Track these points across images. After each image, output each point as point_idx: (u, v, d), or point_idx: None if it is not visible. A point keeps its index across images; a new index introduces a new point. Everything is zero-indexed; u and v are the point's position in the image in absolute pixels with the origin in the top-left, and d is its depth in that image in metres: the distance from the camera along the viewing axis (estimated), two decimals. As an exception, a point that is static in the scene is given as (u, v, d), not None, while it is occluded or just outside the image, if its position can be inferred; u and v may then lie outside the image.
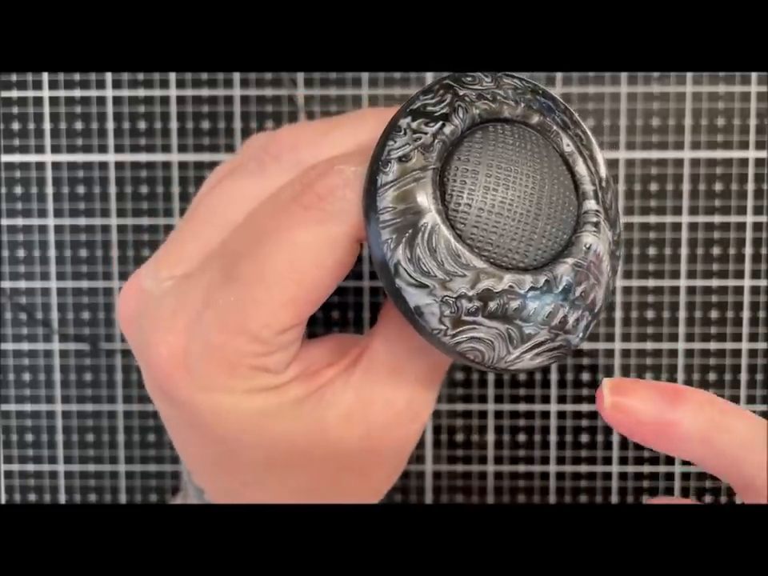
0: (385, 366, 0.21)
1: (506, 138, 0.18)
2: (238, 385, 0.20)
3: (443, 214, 0.17)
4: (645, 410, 0.18)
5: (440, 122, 0.18)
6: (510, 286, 0.17)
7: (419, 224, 0.17)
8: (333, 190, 0.19)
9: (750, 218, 0.31)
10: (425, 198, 0.17)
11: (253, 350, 0.19)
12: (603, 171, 0.19)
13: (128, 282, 0.22)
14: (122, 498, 0.33)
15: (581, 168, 0.19)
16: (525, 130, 0.19)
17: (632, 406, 0.18)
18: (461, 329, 0.18)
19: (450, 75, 0.19)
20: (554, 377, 0.32)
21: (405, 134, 0.18)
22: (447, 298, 0.17)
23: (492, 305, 0.17)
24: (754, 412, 0.32)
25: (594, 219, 0.18)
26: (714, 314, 0.31)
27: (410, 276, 0.17)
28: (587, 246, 0.18)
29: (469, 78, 0.19)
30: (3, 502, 0.33)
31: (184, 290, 0.20)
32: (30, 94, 0.31)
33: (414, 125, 0.18)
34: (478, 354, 0.18)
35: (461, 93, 0.18)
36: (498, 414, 0.32)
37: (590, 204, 0.19)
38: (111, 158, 0.31)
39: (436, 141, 0.18)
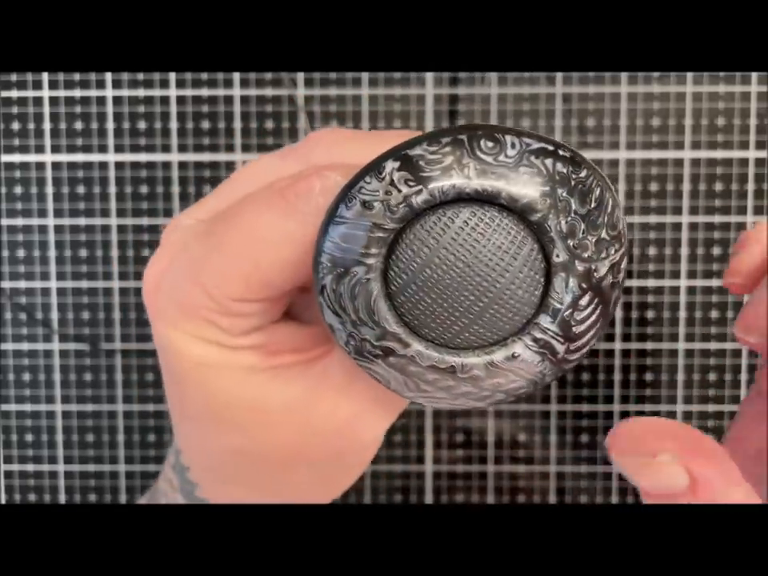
0: (342, 372, 0.21)
1: (481, 226, 0.17)
2: (192, 329, 0.21)
3: (379, 270, 0.17)
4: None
5: (419, 187, 0.17)
6: (412, 356, 0.18)
7: (351, 270, 0.17)
8: (309, 192, 0.19)
9: (750, 218, 0.31)
10: (365, 251, 0.17)
11: (206, 304, 0.20)
12: (598, 289, 0.18)
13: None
14: (122, 498, 0.33)
15: (558, 283, 0.17)
16: (513, 225, 0.17)
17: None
18: (363, 360, 0.18)
19: (474, 130, 0.17)
20: (554, 377, 0.32)
21: (383, 179, 0.17)
22: (354, 334, 0.18)
23: (393, 360, 0.18)
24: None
25: (539, 335, 0.18)
26: (713, 314, 0.31)
27: (330, 302, 0.18)
28: (514, 354, 0.18)
29: (490, 143, 0.17)
30: (3, 501, 0.33)
31: (182, 233, 0.22)
32: (30, 93, 0.31)
33: (396, 176, 0.17)
34: (381, 381, 0.19)
35: (464, 161, 0.17)
36: (498, 415, 0.32)
37: (544, 319, 0.17)
38: (111, 157, 0.31)
39: (403, 205, 0.17)
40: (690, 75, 0.30)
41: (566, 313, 0.17)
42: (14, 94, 0.31)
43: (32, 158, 0.32)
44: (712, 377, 0.32)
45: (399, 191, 0.17)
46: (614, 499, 0.32)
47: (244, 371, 0.21)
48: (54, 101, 0.31)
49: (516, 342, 0.18)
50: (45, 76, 0.31)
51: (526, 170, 0.17)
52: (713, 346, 0.31)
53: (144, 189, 0.32)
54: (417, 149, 0.17)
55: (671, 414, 0.32)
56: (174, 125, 0.31)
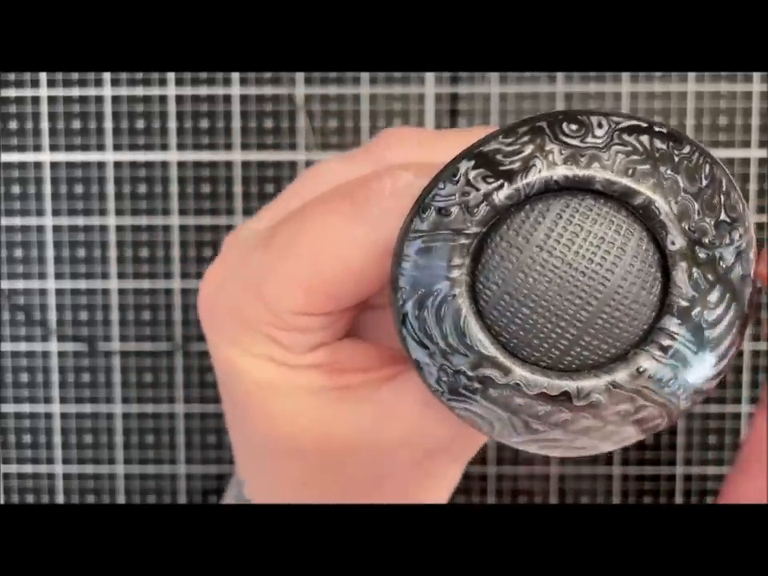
0: (416, 397, 0.19)
1: (577, 218, 0.15)
2: (252, 347, 0.19)
3: (465, 285, 0.15)
4: None
5: (500, 182, 0.15)
6: (516, 383, 0.15)
7: (434, 287, 0.15)
8: (379, 194, 0.18)
9: (752, 218, 0.31)
10: (447, 264, 0.15)
11: (267, 319, 0.19)
12: (728, 280, 0.15)
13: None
14: (120, 499, 0.33)
15: (680, 275, 0.15)
16: (615, 213, 0.15)
17: None
18: (457, 398, 0.16)
19: (555, 115, 0.15)
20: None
21: (458, 181, 0.15)
22: (446, 366, 0.15)
23: (493, 392, 0.15)
24: (755, 413, 0.32)
25: (666, 342, 0.15)
26: (715, 315, 0.31)
27: (415, 332, 0.16)
28: (640, 369, 0.15)
29: (573, 126, 0.15)
30: (1, 503, 0.33)
31: (240, 245, 0.20)
32: (28, 92, 0.31)
33: (472, 175, 0.15)
34: (477, 425, 0.16)
35: (547, 147, 0.15)
36: (499, 415, 0.32)
37: (670, 322, 0.15)
38: (109, 157, 0.31)
39: (484, 204, 0.15)
40: (691, 74, 0.30)
41: (695, 312, 0.15)
42: (12, 92, 0.31)
43: (30, 157, 0.31)
44: (713, 378, 0.32)
45: (477, 190, 0.15)
46: (616, 500, 0.32)
47: (308, 392, 0.19)
48: (51, 100, 0.31)
49: (640, 354, 0.15)
50: (43, 75, 0.31)
51: (620, 148, 0.15)
52: (714, 346, 0.31)
53: (142, 188, 0.31)
54: (491, 144, 0.15)
55: (672, 415, 0.32)
56: (172, 124, 0.31)
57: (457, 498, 0.32)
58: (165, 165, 0.31)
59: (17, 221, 0.32)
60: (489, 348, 0.15)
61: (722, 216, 0.15)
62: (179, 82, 0.31)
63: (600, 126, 0.15)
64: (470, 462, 0.32)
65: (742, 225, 0.15)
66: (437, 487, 0.21)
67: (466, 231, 0.15)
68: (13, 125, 0.31)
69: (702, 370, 0.15)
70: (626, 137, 0.15)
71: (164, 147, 0.31)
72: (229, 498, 0.25)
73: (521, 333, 0.15)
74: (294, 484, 0.21)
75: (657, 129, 0.15)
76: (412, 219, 0.15)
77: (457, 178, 0.15)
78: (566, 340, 0.15)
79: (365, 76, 0.31)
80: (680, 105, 0.31)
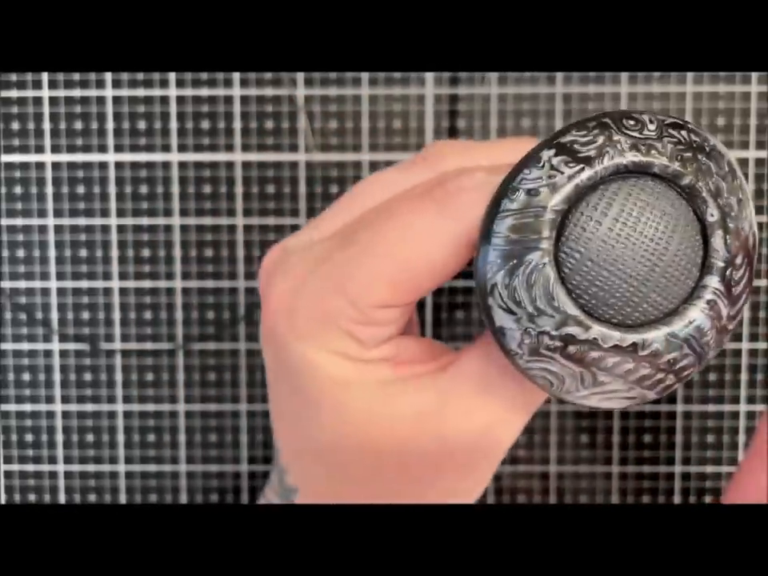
0: (473, 380, 0.21)
1: (643, 195, 0.18)
2: (329, 343, 0.21)
3: (551, 254, 0.18)
4: None
5: (581, 166, 0.18)
6: (594, 338, 0.18)
7: (525, 258, 0.18)
8: (460, 190, 0.20)
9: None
10: (538, 236, 0.18)
11: (348, 314, 0.20)
12: (746, 247, 0.18)
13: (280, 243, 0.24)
14: (122, 498, 0.33)
15: (717, 241, 0.18)
16: (668, 191, 0.18)
17: None
18: (536, 358, 0.18)
19: (613, 113, 0.18)
20: (554, 377, 0.32)
21: (543, 166, 0.18)
22: (530, 329, 0.18)
23: (572, 348, 0.18)
24: (754, 412, 0.32)
25: (710, 297, 0.18)
26: (714, 314, 0.31)
27: (503, 300, 0.18)
28: (691, 320, 0.18)
29: (631, 122, 0.18)
30: (3, 502, 0.33)
31: (311, 247, 0.22)
32: (30, 93, 0.31)
33: (555, 161, 0.18)
34: (548, 383, 0.19)
35: (615, 138, 0.18)
36: (498, 414, 0.32)
37: (712, 280, 0.18)
38: (111, 157, 0.31)
39: (569, 183, 0.18)
40: (690, 75, 0.30)
41: (729, 271, 0.18)
42: (14, 93, 0.31)
43: (32, 157, 0.31)
44: (712, 377, 0.32)
45: (562, 173, 0.18)
46: (614, 499, 0.32)
47: (378, 385, 0.21)
48: (53, 101, 0.31)
49: (689, 308, 0.18)
50: (44, 76, 0.31)
51: (669, 140, 0.18)
52: (713, 346, 0.31)
53: (144, 189, 0.32)
54: (567, 136, 0.18)
55: (670, 414, 0.32)
56: (173, 124, 0.31)
57: (456, 497, 0.32)
58: (166, 165, 0.31)
59: (19, 221, 0.32)
60: (573, 308, 0.18)
61: (740, 195, 0.18)
62: (180, 83, 0.31)
63: (651, 122, 0.18)
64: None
65: (749, 202, 0.18)
66: (496, 456, 0.22)
67: (555, 208, 0.18)
68: (15, 125, 0.31)
69: (727, 323, 0.18)
70: (671, 131, 0.18)
71: (165, 148, 0.31)
72: (270, 488, 0.25)
73: (600, 294, 0.18)
74: (356, 480, 0.22)
75: (689, 126, 0.18)
76: (500, 202, 0.18)
77: (542, 164, 0.18)
78: (637, 297, 0.18)
79: (365, 77, 0.31)
80: (678, 105, 0.31)
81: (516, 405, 0.21)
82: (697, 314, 0.18)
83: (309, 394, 0.21)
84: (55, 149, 0.31)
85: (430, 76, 0.31)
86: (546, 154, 0.18)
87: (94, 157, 0.31)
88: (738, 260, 0.18)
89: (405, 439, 0.21)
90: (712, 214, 0.18)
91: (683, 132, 0.18)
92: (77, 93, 0.31)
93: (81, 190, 0.32)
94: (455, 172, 0.20)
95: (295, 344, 0.21)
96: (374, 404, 0.21)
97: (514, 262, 0.18)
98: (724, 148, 0.19)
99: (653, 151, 0.18)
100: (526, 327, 0.18)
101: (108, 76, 0.31)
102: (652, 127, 0.18)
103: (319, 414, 0.21)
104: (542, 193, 0.18)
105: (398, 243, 0.20)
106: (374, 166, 0.31)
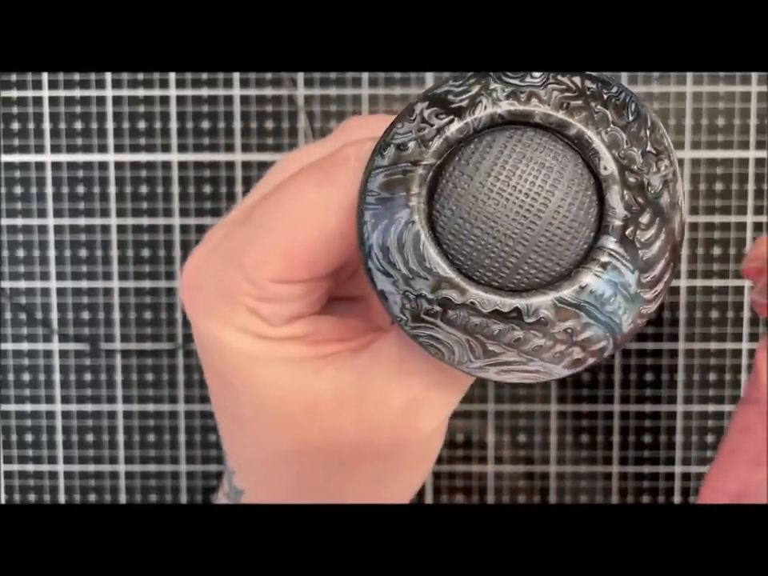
0: (393, 357, 0.20)
1: (520, 147, 0.16)
2: (233, 319, 0.20)
3: (423, 212, 0.17)
4: None
5: (450, 117, 0.16)
6: (471, 302, 0.16)
7: (395, 216, 0.17)
8: (345, 159, 0.19)
9: (750, 218, 0.31)
10: (407, 193, 0.17)
11: (246, 289, 0.20)
12: (656, 204, 0.16)
13: None
14: (122, 498, 0.33)
15: (613, 197, 0.16)
16: (553, 143, 0.17)
17: None
18: (420, 324, 0.17)
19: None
20: (554, 377, 0.32)
21: (414, 120, 0.17)
22: (408, 293, 0.17)
23: (452, 314, 0.17)
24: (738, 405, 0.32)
25: (605, 259, 0.16)
26: (714, 314, 0.31)
27: (379, 262, 0.17)
28: (582, 285, 0.16)
29: (513, 71, 0.17)
30: (3, 502, 0.33)
31: (220, 226, 0.22)
32: (30, 93, 0.31)
33: (426, 113, 0.17)
34: (438, 352, 0.17)
35: (491, 86, 0.17)
36: (499, 415, 0.32)
37: (608, 241, 0.16)
38: (111, 157, 0.31)
39: (438, 136, 0.16)
40: (689, 75, 0.31)
41: (629, 231, 0.16)
42: (14, 93, 0.31)
43: (32, 157, 0.32)
44: (712, 377, 0.32)
45: (431, 125, 0.17)
46: (614, 499, 0.32)
47: (291, 362, 0.21)
48: (53, 101, 0.31)
49: (581, 272, 0.16)
50: (44, 76, 0.31)
51: (555, 86, 0.17)
52: (713, 346, 0.31)
53: (144, 188, 0.32)
54: (441, 87, 0.17)
55: (671, 414, 0.32)
56: (173, 124, 0.31)
57: (456, 498, 0.32)
58: (166, 165, 0.31)
59: (19, 221, 0.32)
60: (446, 270, 0.17)
61: (649, 147, 0.17)
62: (180, 83, 0.31)
63: (538, 73, 0.17)
64: (470, 461, 0.32)
65: (668, 157, 0.17)
66: (422, 441, 0.21)
67: (423, 162, 0.17)
68: (15, 125, 0.31)
69: (639, 290, 0.17)
70: (560, 77, 0.17)
71: (165, 148, 0.31)
72: (221, 491, 0.25)
73: (474, 254, 0.17)
74: (280, 452, 0.21)
75: (587, 72, 0.17)
76: (374, 158, 0.17)
77: (413, 117, 0.17)
78: (514, 258, 0.16)
79: (365, 77, 0.31)
80: (678, 105, 0.31)
81: (435, 384, 0.20)
82: (590, 279, 0.16)
83: (222, 370, 0.21)
84: (55, 149, 0.32)
85: (429, 76, 0.31)
86: (420, 106, 0.17)
87: (94, 157, 0.31)
88: (645, 219, 0.16)
89: (325, 418, 0.21)
90: (605, 167, 0.16)
91: (576, 78, 0.17)
92: (77, 93, 0.31)
93: (81, 189, 0.32)
94: (348, 142, 0.20)
95: (202, 320, 0.21)
96: (284, 380, 0.20)
97: (386, 221, 0.17)
98: (634, 95, 0.17)
99: (533, 99, 0.16)
100: (404, 290, 0.17)
101: (108, 76, 0.31)
102: (537, 74, 0.17)
103: (232, 392, 0.21)
104: (410, 147, 0.17)
105: (288, 216, 0.19)
106: (374, 166, 0.31)
